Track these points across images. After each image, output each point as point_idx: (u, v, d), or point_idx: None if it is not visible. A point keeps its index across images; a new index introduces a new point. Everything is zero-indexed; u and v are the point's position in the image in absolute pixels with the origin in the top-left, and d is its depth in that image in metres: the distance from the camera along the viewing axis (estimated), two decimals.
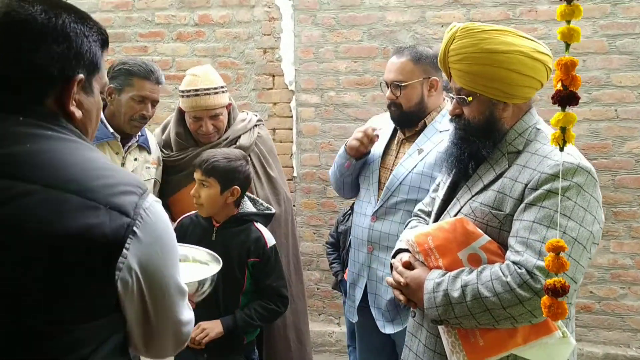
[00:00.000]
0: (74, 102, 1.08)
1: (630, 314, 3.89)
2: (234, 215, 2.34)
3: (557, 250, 1.14)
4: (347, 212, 3.43)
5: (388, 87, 2.36)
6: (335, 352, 4.20)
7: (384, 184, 2.37)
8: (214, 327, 2.24)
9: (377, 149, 2.46)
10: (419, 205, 2.05)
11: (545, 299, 1.18)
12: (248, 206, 2.42)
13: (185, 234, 2.34)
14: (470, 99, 1.64)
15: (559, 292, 1.14)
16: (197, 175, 2.29)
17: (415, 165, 2.30)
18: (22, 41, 1.01)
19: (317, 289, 4.28)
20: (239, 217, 2.35)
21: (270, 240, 2.35)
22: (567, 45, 1.09)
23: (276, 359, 2.60)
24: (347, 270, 2.73)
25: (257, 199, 2.51)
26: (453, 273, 1.59)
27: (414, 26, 3.96)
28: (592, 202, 1.52)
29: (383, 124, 2.53)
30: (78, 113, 1.08)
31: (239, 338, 2.32)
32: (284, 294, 2.38)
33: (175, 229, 2.34)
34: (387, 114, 2.53)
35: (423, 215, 2.00)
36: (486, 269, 1.56)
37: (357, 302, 2.47)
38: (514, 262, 1.51)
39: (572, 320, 1.67)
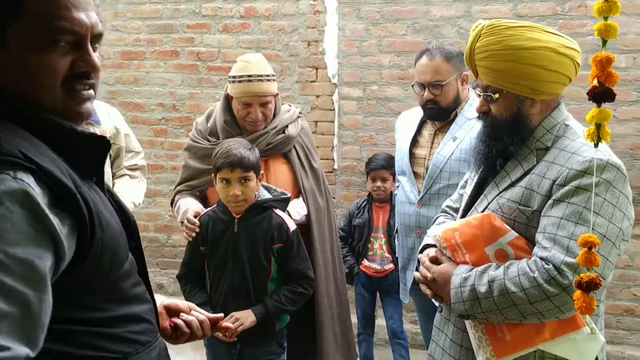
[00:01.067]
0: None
1: None
2: (254, 204, 2.36)
3: (588, 245, 1.14)
4: (361, 204, 3.46)
5: (425, 88, 2.53)
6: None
7: (419, 173, 2.63)
8: (247, 317, 2.27)
9: (403, 144, 2.71)
10: (447, 202, 2.09)
11: (577, 293, 1.18)
12: (264, 193, 2.43)
13: (207, 232, 2.37)
14: (497, 96, 1.64)
15: (590, 287, 1.15)
16: (234, 174, 2.28)
17: (452, 152, 2.50)
18: None
19: None
20: (259, 205, 2.36)
21: (291, 224, 2.40)
22: (604, 42, 1.09)
23: (327, 353, 2.63)
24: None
25: (269, 185, 2.52)
26: (480, 268, 1.60)
27: (459, 21, 3.93)
28: (621, 199, 1.51)
29: (408, 120, 2.78)
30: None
31: (271, 325, 2.36)
32: (310, 276, 2.42)
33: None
34: (411, 111, 2.84)
35: (450, 212, 2.02)
36: (513, 264, 1.56)
37: (409, 285, 2.69)
38: (541, 258, 1.51)
39: (600, 317, 1.66)
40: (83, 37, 1.05)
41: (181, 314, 1.43)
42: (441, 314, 1.84)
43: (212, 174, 2.39)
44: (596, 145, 1.12)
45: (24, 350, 0.86)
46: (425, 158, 2.64)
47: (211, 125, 2.72)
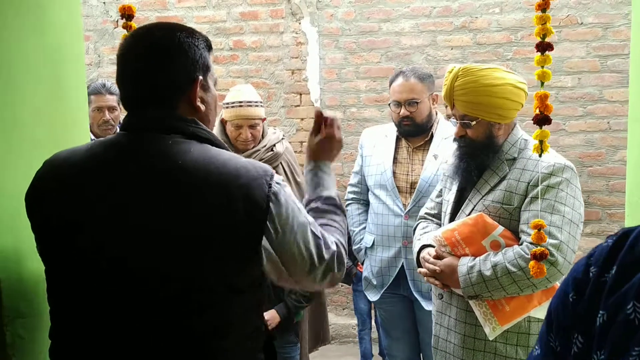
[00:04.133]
0: (198, 99, 1.31)
1: None
2: None
3: (539, 227, 1.60)
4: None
5: (401, 106, 2.79)
6: (357, 342, 4.63)
7: (401, 187, 2.84)
8: (274, 318, 2.59)
9: (386, 162, 2.89)
10: (424, 210, 2.43)
11: (532, 262, 1.65)
12: None
13: None
14: (474, 123, 2.06)
15: (542, 257, 1.61)
16: None
17: (438, 169, 2.75)
18: (162, 62, 1.28)
19: (341, 286, 4.70)
20: None
21: None
22: (542, 83, 1.56)
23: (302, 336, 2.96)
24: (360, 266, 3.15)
25: None
26: (482, 257, 1.99)
27: (427, 49, 4.43)
28: (577, 191, 2.00)
29: (377, 138, 3.00)
30: (202, 107, 1.32)
31: (291, 319, 2.69)
32: None
33: None
34: (377, 128, 3.10)
35: (430, 217, 2.38)
36: (508, 250, 1.96)
37: (384, 288, 2.90)
38: (531, 243, 1.87)
39: None
40: None
41: None
42: (442, 300, 2.20)
43: None
44: (540, 156, 1.59)
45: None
46: (406, 174, 2.87)
47: None
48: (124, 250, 1.21)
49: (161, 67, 1.28)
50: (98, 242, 1.22)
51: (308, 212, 1.39)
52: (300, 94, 4.65)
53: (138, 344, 1.22)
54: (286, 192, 1.29)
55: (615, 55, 4.15)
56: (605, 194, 4.24)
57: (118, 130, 1.41)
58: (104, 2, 4.85)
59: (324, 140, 1.55)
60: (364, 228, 3.06)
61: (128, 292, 1.22)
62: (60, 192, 1.27)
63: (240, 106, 2.92)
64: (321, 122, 1.56)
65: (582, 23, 4.16)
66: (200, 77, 1.31)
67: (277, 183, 1.27)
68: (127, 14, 1.66)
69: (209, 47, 1.36)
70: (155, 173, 1.23)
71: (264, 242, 1.24)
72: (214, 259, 1.21)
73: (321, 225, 1.39)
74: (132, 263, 1.21)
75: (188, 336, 1.22)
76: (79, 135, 1.78)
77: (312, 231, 1.31)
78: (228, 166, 1.24)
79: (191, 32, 1.33)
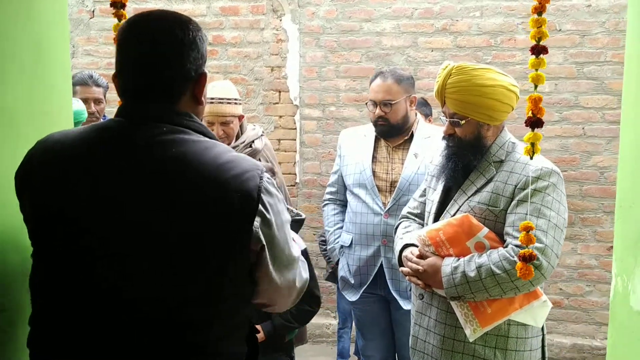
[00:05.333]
0: (202, 94, 1.33)
1: (595, 309, 4.37)
2: None
3: (528, 229, 1.60)
4: None
5: (376, 106, 2.80)
6: (331, 342, 4.62)
7: (381, 186, 2.85)
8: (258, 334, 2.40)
9: (365, 160, 2.89)
10: (407, 209, 2.42)
11: (519, 264, 1.65)
12: None
13: None
14: (463, 122, 2.06)
15: (530, 259, 1.61)
16: None
17: (418, 168, 2.77)
18: (177, 54, 1.27)
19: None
20: None
21: (301, 244, 2.48)
22: (535, 86, 1.57)
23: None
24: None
25: (287, 206, 2.75)
26: (466, 258, 1.98)
27: (407, 50, 4.45)
28: (562, 196, 2.01)
29: (356, 138, 3.00)
30: (203, 101, 1.35)
31: (282, 338, 2.52)
32: (317, 294, 2.53)
33: None
34: (356, 128, 3.10)
35: (412, 217, 2.36)
36: (493, 252, 1.95)
37: (363, 288, 2.90)
38: (517, 246, 1.88)
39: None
40: None
41: None
42: (423, 301, 2.18)
43: None
44: (531, 158, 1.60)
45: None
46: (386, 173, 2.87)
47: None
48: (111, 238, 1.20)
49: (175, 59, 1.27)
50: (84, 228, 1.21)
51: None
52: (280, 92, 4.62)
53: (122, 333, 1.21)
54: (275, 187, 1.32)
55: (592, 62, 4.23)
56: (578, 199, 4.31)
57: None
58: None
59: None
60: (339, 228, 3.06)
61: (112, 277, 1.21)
62: (46, 177, 1.26)
63: (212, 103, 2.88)
64: None
65: (560, 30, 4.22)
66: (206, 71, 1.33)
67: (268, 177, 1.29)
68: (119, 2, 1.60)
69: (206, 41, 1.38)
70: (150, 162, 1.22)
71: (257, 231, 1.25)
72: (207, 248, 1.21)
73: None
74: (115, 248, 1.20)
75: (175, 325, 1.22)
76: (62, 125, 1.74)
77: (289, 229, 1.37)
78: (222, 158, 1.25)
79: (197, 25, 1.34)
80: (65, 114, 1.79)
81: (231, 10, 4.62)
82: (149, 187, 1.21)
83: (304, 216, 2.68)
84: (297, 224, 2.59)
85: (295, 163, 4.65)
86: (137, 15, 1.35)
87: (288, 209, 2.71)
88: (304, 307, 2.50)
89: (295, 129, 4.63)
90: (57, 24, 1.75)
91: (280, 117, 4.65)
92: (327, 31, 4.54)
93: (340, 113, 4.58)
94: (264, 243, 1.27)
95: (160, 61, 1.28)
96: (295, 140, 4.64)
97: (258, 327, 2.44)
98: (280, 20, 4.55)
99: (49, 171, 1.26)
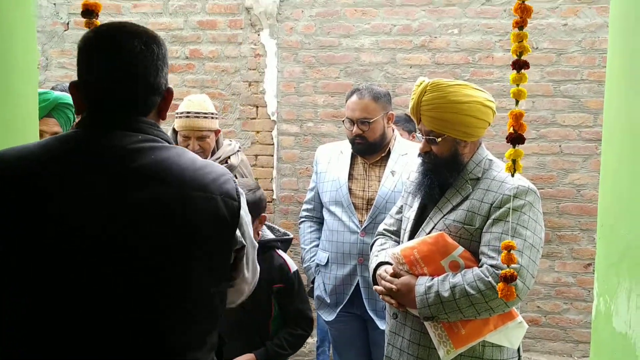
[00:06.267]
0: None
1: (572, 326, 4.36)
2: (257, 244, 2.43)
3: (509, 248, 1.56)
4: None
5: (354, 124, 2.75)
6: (308, 359, 4.55)
7: (357, 204, 2.79)
8: None
9: (341, 177, 2.83)
10: (383, 226, 2.37)
11: (500, 284, 1.61)
12: (267, 233, 2.49)
13: None
14: (439, 139, 2.02)
15: (511, 279, 1.58)
16: None
17: (395, 185, 2.72)
18: (151, 67, 1.28)
19: None
20: (262, 244, 2.34)
21: (292, 265, 2.47)
22: (517, 102, 1.54)
23: None
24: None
25: (273, 225, 2.69)
26: (440, 277, 1.93)
27: (386, 66, 4.44)
28: (539, 215, 1.97)
29: (332, 154, 2.96)
30: (166, 117, 1.37)
31: None
32: (309, 316, 2.50)
33: None
34: (333, 145, 3.07)
35: (388, 234, 2.31)
36: (468, 272, 1.92)
37: (340, 307, 2.83)
38: (491, 266, 1.87)
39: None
40: None
41: None
42: (397, 320, 2.13)
43: None
44: (513, 175, 1.56)
45: None
46: (363, 190, 2.81)
47: None
48: (88, 247, 1.19)
49: (149, 74, 1.28)
50: (61, 232, 1.18)
51: None
52: (257, 107, 4.58)
53: (96, 338, 1.20)
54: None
55: (568, 80, 4.26)
56: (555, 216, 4.31)
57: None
58: (54, 4, 4.67)
59: None
60: (315, 246, 3.00)
61: (96, 287, 1.19)
62: (11, 185, 1.20)
63: (188, 117, 2.86)
64: None
65: (537, 48, 4.24)
66: (171, 87, 1.36)
67: (234, 180, 1.37)
68: (92, 11, 1.53)
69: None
70: (134, 167, 1.23)
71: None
72: (196, 252, 1.25)
73: None
74: (107, 249, 1.20)
75: (152, 329, 1.22)
76: (28, 137, 1.67)
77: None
78: (197, 163, 1.30)
79: (163, 42, 1.35)
80: (31, 128, 1.72)
81: (209, 24, 4.58)
82: (134, 191, 1.21)
83: (291, 236, 2.64)
84: (284, 244, 2.58)
85: (272, 179, 4.59)
86: (105, 25, 1.32)
87: (274, 228, 2.71)
88: (297, 331, 2.46)
89: (273, 144, 4.58)
90: (24, 35, 1.69)
91: (258, 132, 4.60)
92: (305, 46, 4.51)
93: (318, 129, 4.54)
94: (245, 243, 1.36)
95: (134, 75, 1.27)
96: (272, 156, 4.59)
97: (250, 355, 2.37)
98: (259, 34, 4.51)
99: (12, 180, 1.20)
